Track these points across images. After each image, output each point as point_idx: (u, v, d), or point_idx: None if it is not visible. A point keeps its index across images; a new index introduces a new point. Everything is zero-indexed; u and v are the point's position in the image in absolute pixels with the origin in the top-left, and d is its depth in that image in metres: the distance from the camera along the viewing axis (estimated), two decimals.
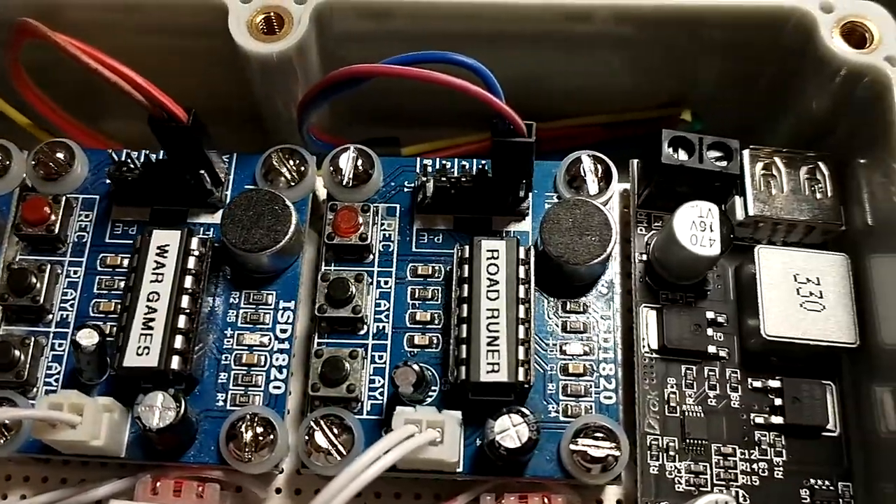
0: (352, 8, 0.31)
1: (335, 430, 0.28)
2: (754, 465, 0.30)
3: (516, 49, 0.33)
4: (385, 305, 0.31)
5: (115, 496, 0.28)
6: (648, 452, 0.30)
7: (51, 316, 0.31)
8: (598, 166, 0.32)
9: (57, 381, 0.30)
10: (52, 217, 0.31)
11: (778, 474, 0.30)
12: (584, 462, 0.28)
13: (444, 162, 0.32)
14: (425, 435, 0.27)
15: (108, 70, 0.27)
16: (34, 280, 0.30)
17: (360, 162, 0.32)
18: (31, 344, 0.30)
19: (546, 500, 0.28)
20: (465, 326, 0.29)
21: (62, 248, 0.31)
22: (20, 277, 0.30)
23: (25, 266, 0.30)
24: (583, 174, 0.32)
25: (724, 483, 0.29)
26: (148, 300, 0.29)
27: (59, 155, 0.32)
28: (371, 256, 0.31)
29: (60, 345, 0.30)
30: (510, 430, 0.27)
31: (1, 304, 0.30)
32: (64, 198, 0.31)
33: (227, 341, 0.30)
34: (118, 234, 0.32)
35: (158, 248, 0.29)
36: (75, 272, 0.31)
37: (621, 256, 0.32)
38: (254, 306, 0.31)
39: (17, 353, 0.29)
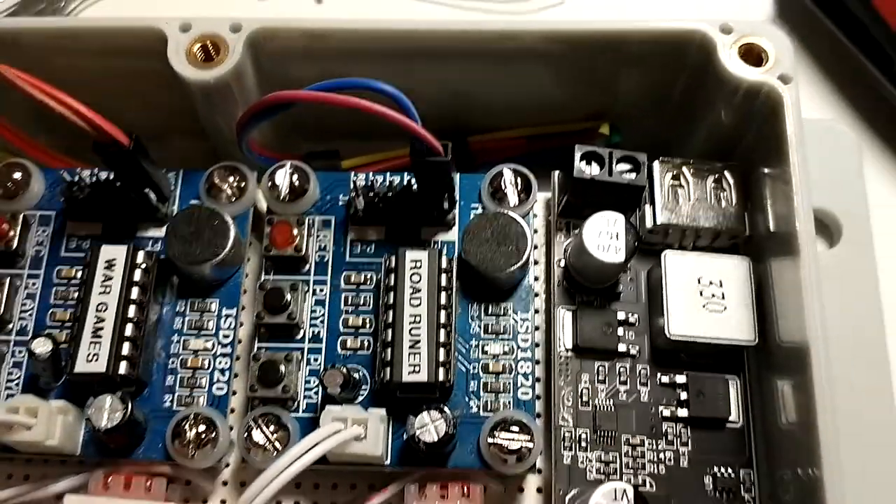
0: (284, 33, 0.33)
1: (272, 428, 0.31)
2: (661, 455, 0.32)
3: (449, 65, 0.35)
4: (320, 312, 0.33)
5: (70, 491, 0.30)
6: (562, 444, 0.32)
7: (11, 325, 0.33)
8: (519, 179, 0.34)
9: (17, 385, 0.32)
10: (11, 233, 0.33)
11: (683, 463, 0.32)
12: (501, 454, 0.30)
13: (374, 177, 0.34)
14: (349, 431, 0.29)
15: (53, 101, 0.30)
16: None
17: (295, 177, 0.34)
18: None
19: (465, 489, 0.31)
20: (389, 331, 0.31)
21: (21, 261, 0.34)
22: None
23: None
24: (504, 187, 0.34)
25: (632, 471, 0.32)
26: (97, 311, 0.31)
27: (16, 175, 0.34)
28: (307, 266, 0.34)
29: (20, 352, 0.33)
30: (429, 426, 0.30)
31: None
32: (21, 215, 0.34)
33: (174, 346, 0.33)
34: (73, 248, 0.34)
35: (106, 262, 0.32)
36: (33, 284, 0.33)
37: (544, 262, 0.35)
38: (199, 313, 0.33)
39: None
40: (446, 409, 0.30)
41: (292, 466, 0.28)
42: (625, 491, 0.29)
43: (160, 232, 0.34)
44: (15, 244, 0.33)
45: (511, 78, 0.36)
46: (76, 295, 0.33)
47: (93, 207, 0.34)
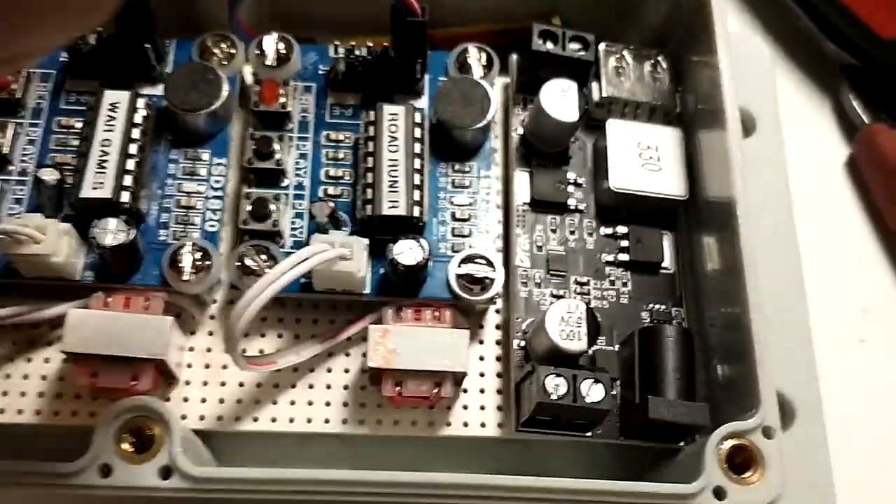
0: None
1: (263, 257, 0.34)
2: (604, 293, 0.37)
3: None
4: (303, 164, 0.37)
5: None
6: (519, 282, 0.36)
7: (12, 167, 0.35)
8: (482, 54, 0.38)
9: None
10: (14, 85, 0.36)
11: (623, 300, 0.37)
12: (468, 283, 0.34)
13: (352, 44, 0.38)
14: (337, 250, 0.33)
15: None
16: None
17: (281, 45, 0.37)
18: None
19: (436, 313, 0.34)
20: (370, 174, 0.35)
21: (21, 112, 0.36)
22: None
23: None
24: (468, 61, 0.38)
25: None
26: (102, 146, 0.34)
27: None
28: (291, 125, 0.37)
29: (21, 190, 0.35)
30: (406, 252, 0.34)
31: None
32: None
33: (168, 189, 0.36)
34: (72, 102, 0.37)
35: (110, 104, 0.35)
36: (34, 131, 0.36)
37: (502, 132, 0.39)
38: (191, 162, 0.36)
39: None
40: (422, 240, 0.34)
41: (282, 278, 0.31)
42: (577, 305, 0.34)
43: (155, 90, 0.37)
44: (19, 95, 0.36)
45: None
46: (74, 142, 0.35)
47: (93, 64, 0.36)
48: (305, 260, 0.32)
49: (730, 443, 0.31)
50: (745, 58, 0.44)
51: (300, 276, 0.31)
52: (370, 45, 0.38)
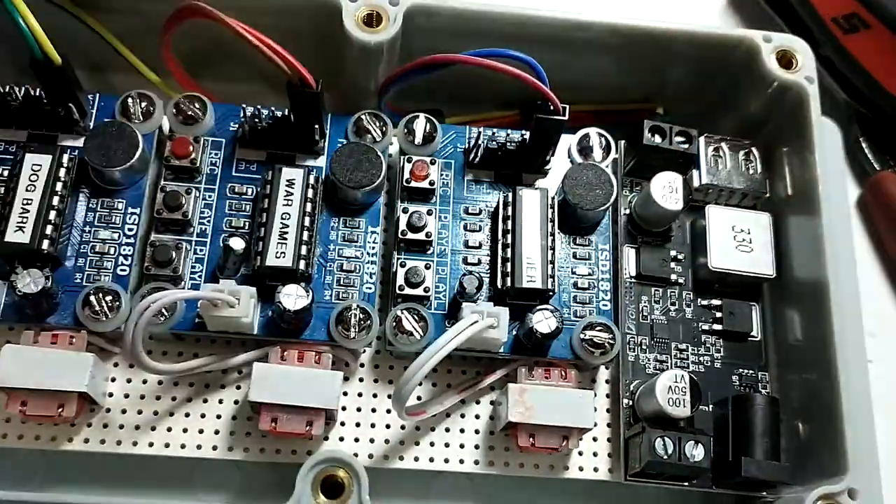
0: (434, 11, 0.42)
1: (415, 317, 0.39)
2: (701, 358, 0.42)
3: (534, 48, 0.44)
4: (445, 234, 0.42)
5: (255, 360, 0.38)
6: (627, 347, 0.42)
7: (192, 228, 0.40)
8: (602, 139, 0.43)
9: (200, 276, 0.40)
10: (193, 153, 0.41)
11: (717, 365, 0.43)
12: (590, 347, 0.40)
13: (490, 130, 0.43)
14: (488, 320, 0.38)
15: (266, 47, 0.37)
16: (182, 201, 0.40)
17: (427, 126, 0.42)
18: (182, 248, 0.39)
19: (564, 372, 0.40)
20: (508, 249, 0.40)
21: (198, 177, 0.41)
22: (173, 199, 0.39)
23: (176, 190, 0.40)
24: (590, 145, 0.43)
25: (681, 368, 0.42)
26: (282, 218, 0.39)
27: (196, 105, 0.41)
28: (434, 198, 0.42)
29: (201, 249, 0.40)
30: (544, 321, 0.39)
31: (157, 217, 0.39)
32: (201, 139, 0.41)
33: (330, 254, 0.41)
34: (241, 169, 0.41)
35: (287, 181, 0.39)
36: (210, 196, 0.41)
37: (611, 210, 0.44)
38: (349, 229, 0.41)
39: (172, 253, 0.39)
40: (556, 310, 0.39)
41: (442, 350, 0.36)
42: (683, 376, 0.39)
43: (316, 162, 0.42)
44: (198, 162, 0.40)
45: (581, 62, 0.45)
46: (247, 207, 0.40)
47: (263, 137, 0.41)
48: (462, 332, 0.37)
49: (822, 503, 0.36)
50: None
51: (458, 345, 0.37)
52: (505, 132, 0.42)
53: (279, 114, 0.41)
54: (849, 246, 0.48)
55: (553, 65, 0.42)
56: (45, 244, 0.38)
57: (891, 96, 0.51)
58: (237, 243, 0.38)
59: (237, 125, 0.42)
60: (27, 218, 0.38)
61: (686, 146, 0.43)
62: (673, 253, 0.44)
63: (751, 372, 0.43)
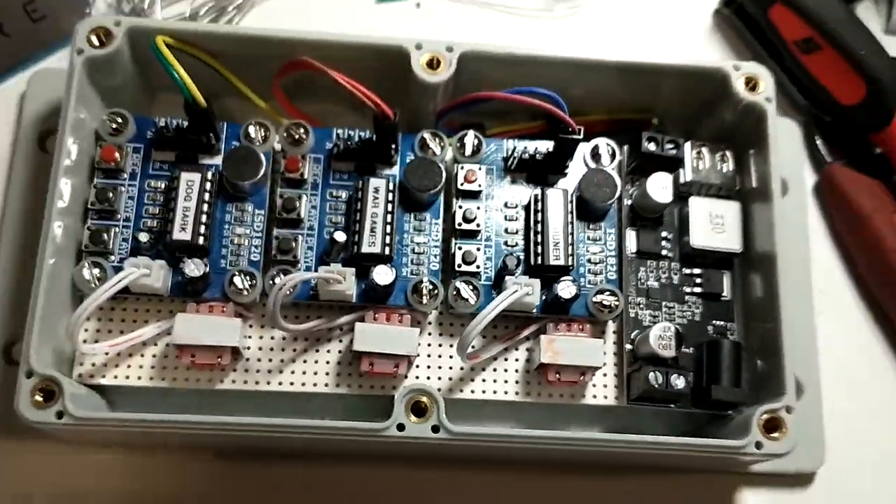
0: (482, 56, 0.55)
1: (470, 287, 0.53)
2: (685, 314, 0.56)
3: (554, 74, 0.57)
4: (490, 224, 0.55)
5: (356, 321, 0.52)
6: (629, 306, 0.56)
7: (303, 224, 0.53)
8: (609, 148, 0.57)
9: (311, 260, 0.53)
10: (301, 168, 0.54)
11: (697, 318, 0.56)
12: (600, 307, 0.53)
13: (521, 142, 0.56)
14: (525, 289, 0.51)
15: (358, 91, 0.51)
16: (296, 204, 0.53)
17: (475, 141, 0.56)
18: (298, 239, 0.53)
19: (581, 326, 0.53)
20: (539, 235, 0.54)
21: (305, 185, 0.55)
22: (290, 203, 0.53)
23: (291, 196, 0.53)
24: (599, 153, 0.57)
25: (669, 321, 0.56)
26: (371, 216, 0.52)
27: (301, 130, 0.55)
28: (481, 197, 0.55)
29: (310, 240, 0.53)
30: (566, 289, 0.52)
31: (278, 217, 0.53)
32: (307, 156, 0.55)
33: (405, 241, 0.54)
34: (336, 179, 0.54)
35: (374, 188, 0.53)
36: (314, 199, 0.54)
37: (617, 203, 0.57)
38: (418, 222, 0.54)
39: (292, 244, 0.52)
40: (574, 279, 0.53)
41: (494, 311, 0.50)
42: (670, 327, 0.53)
43: (391, 171, 0.56)
44: (306, 174, 0.54)
45: (592, 84, 0.58)
46: (343, 207, 0.54)
47: (352, 154, 0.55)
48: (507, 298, 0.51)
49: (766, 415, 0.50)
50: (782, 138, 0.62)
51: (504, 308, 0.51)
52: (535, 144, 0.56)
53: (363, 135, 0.55)
54: (802, 223, 0.62)
55: (573, 84, 0.56)
56: (200, 239, 0.51)
57: (839, 104, 0.63)
58: (340, 236, 0.52)
59: (331, 144, 0.55)
60: (187, 220, 0.51)
61: (674, 151, 0.56)
62: (664, 234, 0.57)
63: (722, 323, 0.56)
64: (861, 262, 0.63)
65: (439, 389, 0.53)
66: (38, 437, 0.52)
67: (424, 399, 0.49)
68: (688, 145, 0.57)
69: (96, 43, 0.52)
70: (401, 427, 0.48)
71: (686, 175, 0.57)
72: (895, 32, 0.70)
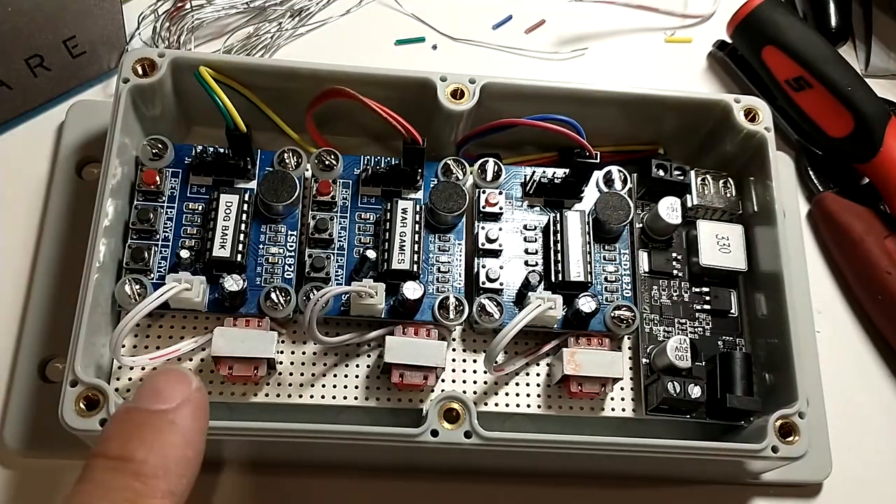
0: (502, 88, 0.59)
1: (494, 303, 0.56)
2: (696, 329, 0.59)
3: (565, 109, 0.61)
4: (511, 244, 0.58)
5: (387, 335, 0.54)
6: (644, 322, 0.58)
7: (333, 244, 0.56)
8: (621, 174, 0.60)
9: (340, 277, 0.56)
10: (332, 191, 0.57)
11: (707, 334, 0.59)
12: (618, 322, 0.56)
13: (538, 169, 0.59)
14: (548, 304, 0.54)
15: (391, 119, 0.54)
16: (328, 226, 0.56)
17: (495, 167, 0.59)
18: (329, 258, 0.56)
19: (600, 340, 0.56)
20: (559, 254, 0.57)
21: (335, 208, 0.57)
22: (322, 224, 0.56)
23: (323, 217, 0.56)
24: (612, 178, 0.60)
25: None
26: (399, 236, 0.55)
27: (331, 157, 0.58)
28: (502, 219, 0.59)
29: (340, 258, 0.56)
30: (586, 304, 0.55)
31: (311, 237, 0.56)
32: (337, 180, 0.58)
33: (431, 259, 0.57)
34: (364, 202, 0.57)
35: (402, 209, 0.56)
36: (343, 220, 0.57)
37: (630, 225, 0.61)
38: (443, 242, 0.57)
39: (325, 262, 0.55)
40: (593, 295, 0.56)
41: (518, 325, 0.53)
42: (685, 340, 0.56)
43: (416, 195, 0.59)
44: (337, 199, 0.57)
45: (603, 116, 0.62)
46: (371, 228, 0.57)
47: (378, 180, 0.58)
48: (531, 312, 0.53)
49: (780, 421, 0.53)
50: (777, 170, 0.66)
51: (530, 320, 0.53)
52: (552, 171, 0.59)
53: (389, 161, 0.58)
54: (799, 246, 0.66)
55: (584, 118, 0.59)
56: (238, 257, 0.54)
57: (829, 138, 0.68)
58: (371, 254, 0.54)
59: (360, 170, 0.58)
60: (227, 239, 0.54)
61: (682, 177, 0.60)
62: (674, 254, 0.60)
63: (731, 338, 0.59)
64: (855, 283, 0.67)
65: None
66: (70, 454, 0.53)
67: (456, 406, 0.51)
68: (693, 172, 0.61)
69: (140, 73, 0.55)
70: (434, 433, 0.50)
71: (692, 200, 0.61)
72: (873, 75, 0.75)
